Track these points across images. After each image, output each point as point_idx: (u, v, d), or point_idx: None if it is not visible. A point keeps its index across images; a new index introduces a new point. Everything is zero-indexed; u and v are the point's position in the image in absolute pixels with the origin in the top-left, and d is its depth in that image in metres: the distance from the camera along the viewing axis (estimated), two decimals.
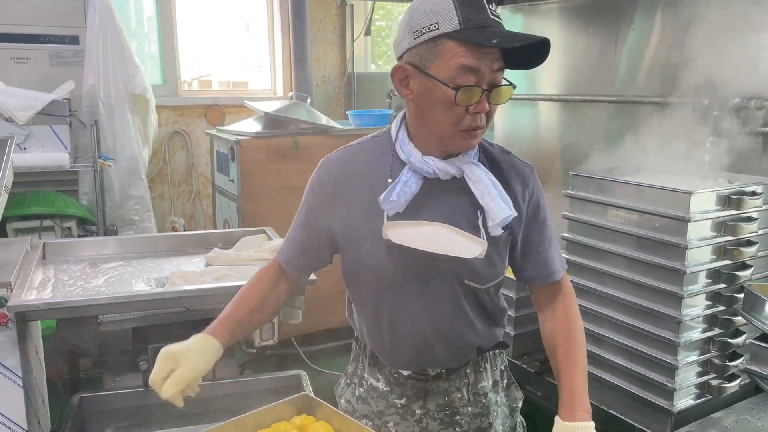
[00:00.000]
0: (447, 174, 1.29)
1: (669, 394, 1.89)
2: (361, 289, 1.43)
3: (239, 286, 2.19)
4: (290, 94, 4.08)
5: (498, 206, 1.25)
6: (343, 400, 1.58)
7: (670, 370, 1.88)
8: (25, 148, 3.01)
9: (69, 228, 3.14)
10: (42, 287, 2.18)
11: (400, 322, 1.38)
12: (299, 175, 2.56)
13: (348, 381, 1.58)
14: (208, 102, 4.26)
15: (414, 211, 1.29)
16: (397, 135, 1.33)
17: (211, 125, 4.15)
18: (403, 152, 1.30)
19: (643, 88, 2.53)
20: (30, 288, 2.11)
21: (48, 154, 3.01)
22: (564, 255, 2.16)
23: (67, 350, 2.42)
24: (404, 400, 1.45)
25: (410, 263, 1.31)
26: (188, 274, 2.26)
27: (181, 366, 1.29)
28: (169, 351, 1.32)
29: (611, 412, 2.04)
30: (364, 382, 1.51)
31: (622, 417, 2.01)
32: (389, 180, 1.29)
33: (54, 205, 3.12)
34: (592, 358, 2.07)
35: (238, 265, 2.45)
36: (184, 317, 2.17)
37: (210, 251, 2.52)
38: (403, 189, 1.26)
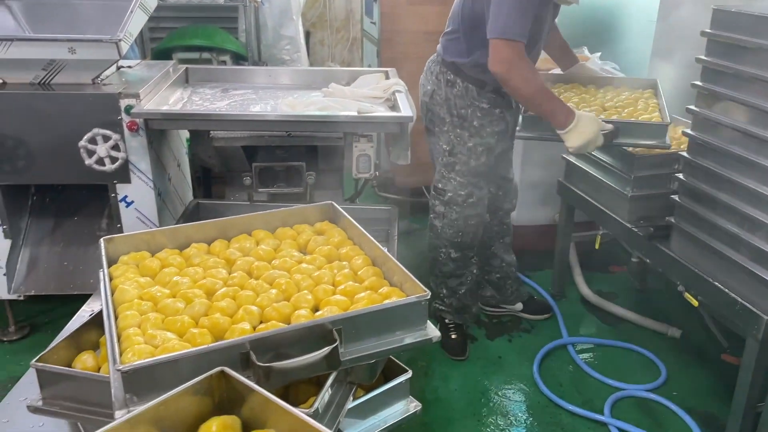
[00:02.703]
0: None
1: None
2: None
3: (342, 116, 2.27)
4: None
5: None
6: None
7: None
8: None
9: (224, 61, 3.38)
10: (175, 104, 2.42)
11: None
12: (440, 19, 2.46)
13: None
14: None
15: None
16: None
17: None
18: None
19: None
20: (163, 103, 2.36)
21: None
22: (692, 108, 1.88)
23: (200, 165, 2.73)
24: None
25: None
26: (297, 102, 2.34)
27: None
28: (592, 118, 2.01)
29: (715, 283, 1.81)
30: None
31: (727, 291, 1.78)
32: None
33: (213, 39, 3.36)
34: (707, 225, 1.84)
35: (349, 99, 2.48)
36: (286, 141, 2.29)
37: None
38: None
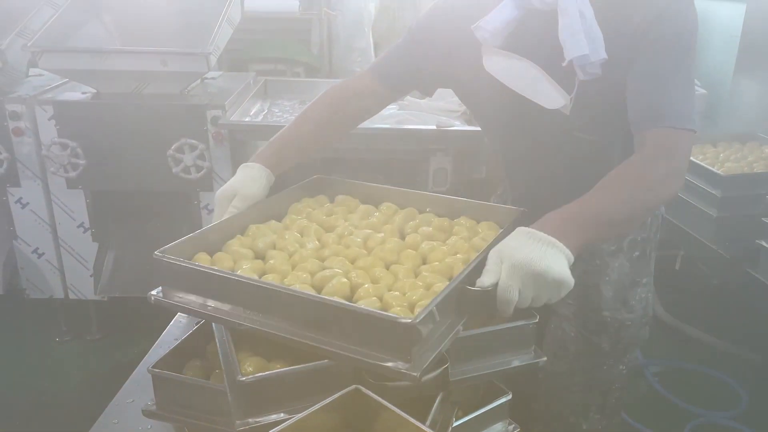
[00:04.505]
0: (545, 3, 1.12)
1: None
2: (481, 123, 1.46)
3: (420, 130, 2.29)
4: None
5: (574, 43, 1.08)
6: None
7: None
8: None
9: (298, 72, 3.45)
10: (256, 115, 2.49)
11: (514, 159, 1.36)
12: None
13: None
14: None
15: (512, 45, 1.17)
16: None
17: None
18: None
19: None
20: (245, 114, 2.43)
21: (281, 1, 3.29)
22: None
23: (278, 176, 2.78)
24: None
25: (504, 102, 1.22)
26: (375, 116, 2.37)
27: (236, 197, 1.25)
28: (221, 191, 1.27)
29: None
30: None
31: None
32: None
33: (287, 51, 3.44)
34: None
35: (426, 112, 2.50)
36: (363, 153, 2.32)
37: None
38: (497, 15, 1.15)
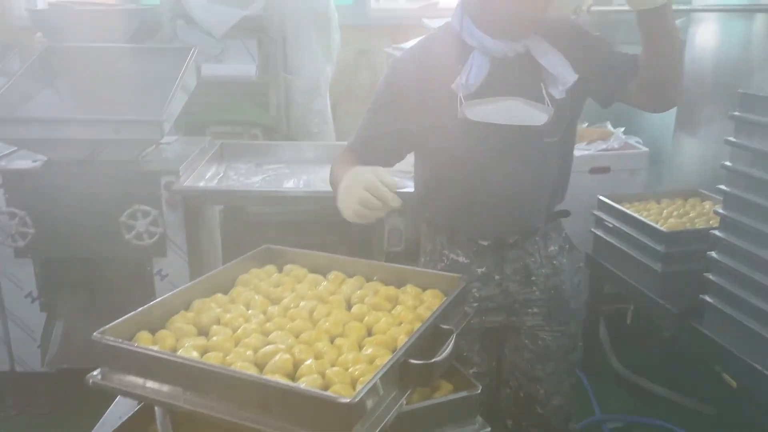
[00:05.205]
0: (514, 51, 1.40)
1: None
2: (440, 174, 1.55)
3: None
4: None
5: (566, 74, 1.40)
6: None
7: None
8: (220, 60, 3.37)
9: (256, 134, 3.49)
10: (211, 179, 2.49)
11: (480, 196, 1.52)
12: None
13: (428, 259, 1.67)
14: (393, 22, 4.33)
15: (485, 91, 1.41)
16: (461, 24, 1.43)
17: (397, 44, 4.23)
18: (473, 38, 1.41)
19: None
20: (201, 179, 2.43)
21: (238, 65, 3.35)
22: (722, 188, 1.91)
23: (230, 242, 2.78)
24: (484, 268, 1.58)
25: (487, 139, 1.44)
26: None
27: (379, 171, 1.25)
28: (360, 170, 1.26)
29: (754, 365, 1.79)
30: (444, 257, 1.61)
31: (766, 372, 1.76)
32: (460, 66, 1.40)
33: (245, 114, 3.48)
34: (742, 304, 1.83)
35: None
36: (316, 217, 2.34)
37: None
38: (476, 72, 1.39)
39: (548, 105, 1.41)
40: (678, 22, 2.82)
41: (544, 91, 1.41)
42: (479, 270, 1.58)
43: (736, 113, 1.87)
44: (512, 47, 1.40)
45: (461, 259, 1.59)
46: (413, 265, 1.65)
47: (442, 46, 1.47)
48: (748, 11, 2.43)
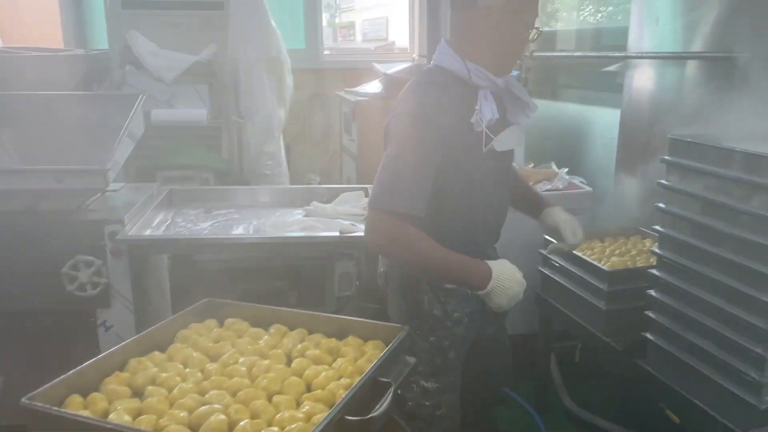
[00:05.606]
0: (503, 85, 1.69)
1: (756, 388, 1.66)
2: (461, 203, 1.70)
3: (325, 237, 2.33)
4: (414, 56, 4.07)
5: (530, 101, 1.71)
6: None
7: (761, 362, 1.65)
8: (171, 105, 3.37)
9: (207, 178, 3.47)
10: (158, 227, 2.46)
11: (487, 213, 1.77)
12: None
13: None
14: (346, 66, 4.40)
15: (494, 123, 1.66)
16: (467, 69, 1.63)
17: (350, 87, 4.30)
18: (484, 79, 1.63)
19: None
20: (147, 226, 2.40)
21: (189, 110, 3.35)
22: (658, 228, 1.98)
23: (179, 289, 2.74)
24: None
25: (498, 165, 1.73)
26: (280, 223, 2.41)
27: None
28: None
29: (695, 401, 1.84)
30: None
31: (706, 408, 1.81)
32: (476, 107, 1.61)
33: (196, 158, 3.47)
34: (681, 341, 1.88)
35: (331, 218, 2.56)
36: (265, 263, 2.33)
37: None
38: (492, 107, 1.64)
39: (522, 128, 1.73)
40: (615, 67, 2.98)
41: (517, 117, 1.73)
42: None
43: (667, 157, 1.95)
44: (501, 82, 1.68)
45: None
46: (363, 307, 1.68)
47: (451, 88, 1.64)
48: (680, 58, 2.56)
